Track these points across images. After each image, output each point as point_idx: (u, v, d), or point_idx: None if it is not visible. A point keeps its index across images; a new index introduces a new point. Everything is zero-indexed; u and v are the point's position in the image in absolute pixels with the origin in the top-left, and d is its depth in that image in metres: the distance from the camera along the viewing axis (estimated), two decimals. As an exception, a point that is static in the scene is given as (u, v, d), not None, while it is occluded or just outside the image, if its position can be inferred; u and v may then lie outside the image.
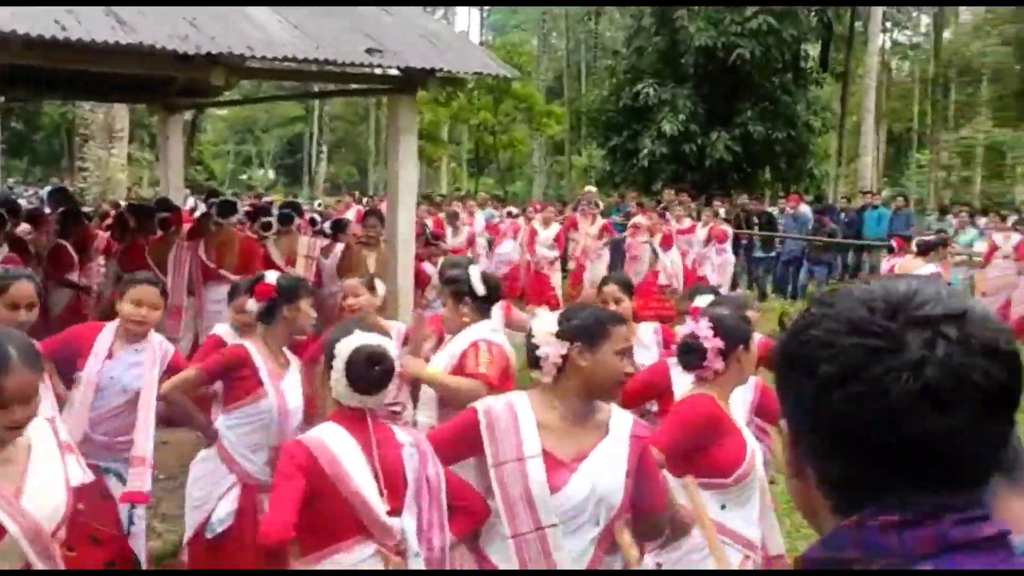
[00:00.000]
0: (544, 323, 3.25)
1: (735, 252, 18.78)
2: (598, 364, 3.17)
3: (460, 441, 3.36)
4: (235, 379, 4.79)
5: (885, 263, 11.76)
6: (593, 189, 21.34)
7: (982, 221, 18.31)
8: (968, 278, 15.51)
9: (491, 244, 17.91)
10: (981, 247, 15.78)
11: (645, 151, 25.44)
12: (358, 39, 7.75)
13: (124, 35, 6.25)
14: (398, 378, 4.00)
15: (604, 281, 6.01)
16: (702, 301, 5.02)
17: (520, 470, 3.16)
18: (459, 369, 4.67)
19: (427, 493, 3.37)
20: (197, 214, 11.66)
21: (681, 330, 4.06)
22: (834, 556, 1.14)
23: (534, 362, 3.24)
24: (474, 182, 41.69)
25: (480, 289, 4.88)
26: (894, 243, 13.31)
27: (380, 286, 5.95)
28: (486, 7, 62.02)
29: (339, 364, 3.37)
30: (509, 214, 19.60)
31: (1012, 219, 16.74)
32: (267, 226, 10.35)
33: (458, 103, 32.41)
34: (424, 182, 46.99)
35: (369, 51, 7.64)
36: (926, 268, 10.52)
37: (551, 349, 3.18)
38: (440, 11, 66.34)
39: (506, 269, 15.89)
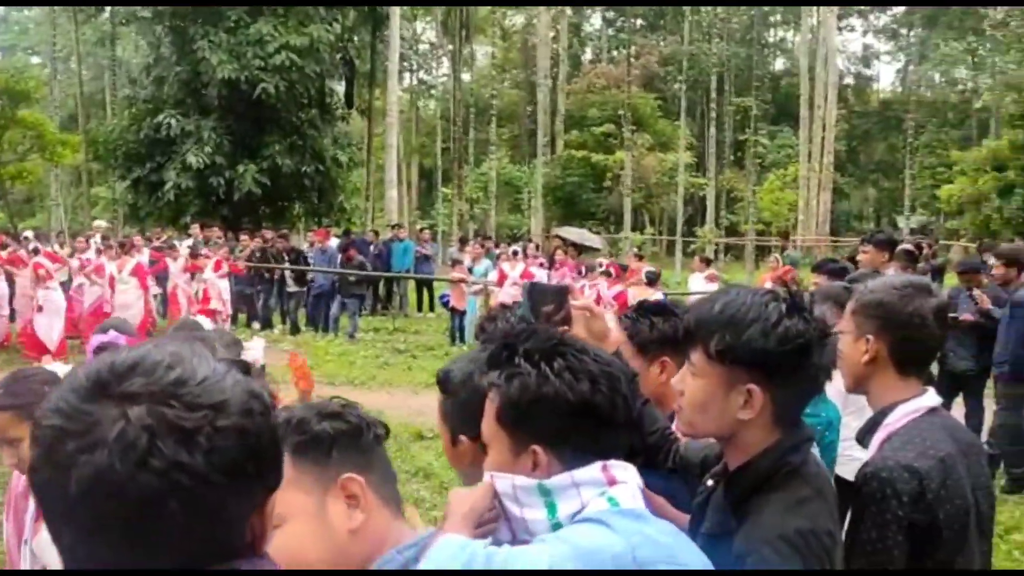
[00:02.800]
0: None
1: (268, 287, 18.70)
2: None
3: None
4: None
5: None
6: (103, 223, 20.11)
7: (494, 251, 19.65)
8: (484, 305, 16.53)
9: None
10: (495, 275, 16.85)
11: (170, 184, 24.52)
12: None
13: None
14: None
15: None
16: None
17: None
18: None
19: None
20: None
21: None
22: None
23: None
24: (-20, 217, 37.70)
25: None
26: (612, 270, 15.33)
27: None
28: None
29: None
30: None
31: (512, 248, 18.00)
32: None
33: (-48, 130, 29.14)
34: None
35: None
36: (656, 295, 11.42)
37: None
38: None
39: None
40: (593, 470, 1.76)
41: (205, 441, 1.05)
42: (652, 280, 14.96)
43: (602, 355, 1.89)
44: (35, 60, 56.24)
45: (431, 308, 21.63)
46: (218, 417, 1.07)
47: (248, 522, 1.13)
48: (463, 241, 25.15)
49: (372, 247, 21.25)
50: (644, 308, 2.91)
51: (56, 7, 37.48)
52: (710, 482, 2.17)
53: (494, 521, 1.82)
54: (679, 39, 48.26)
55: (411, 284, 22.07)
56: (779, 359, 1.97)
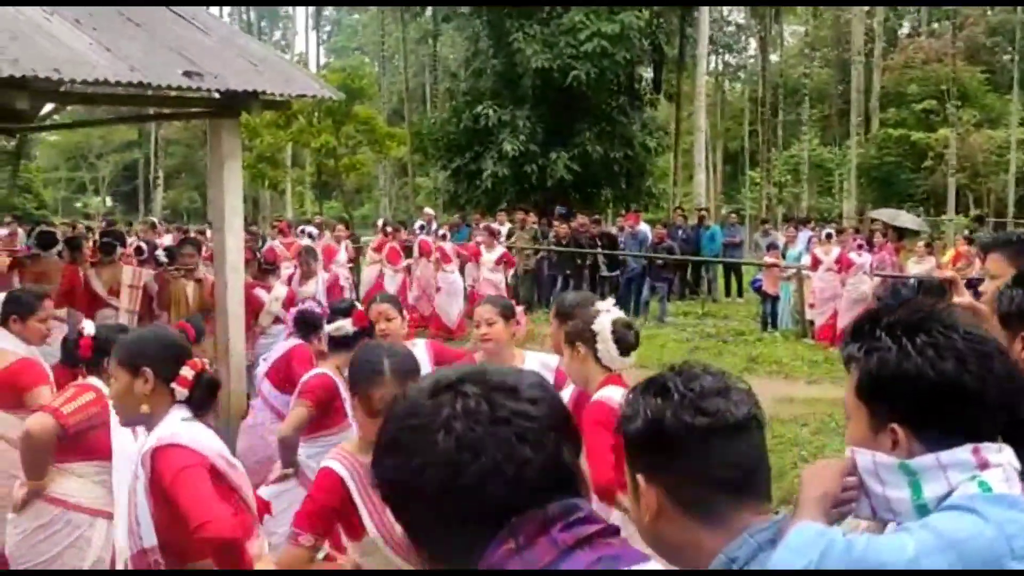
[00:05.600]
0: None
1: (580, 272, 19.17)
2: None
3: None
4: (328, 410, 5.03)
5: None
6: (431, 211, 21.37)
7: (806, 233, 19.03)
8: (798, 290, 16.14)
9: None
10: (809, 260, 16.35)
11: (488, 172, 25.68)
12: (175, 61, 7.53)
13: (-88, 57, 5.90)
14: None
15: (373, 300, 5.76)
16: None
17: None
18: None
19: None
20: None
21: None
22: None
23: None
24: (319, 206, 41.18)
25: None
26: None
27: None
28: (324, 32, 61.59)
29: (605, 335, 4.00)
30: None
31: (826, 231, 17.32)
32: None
33: (298, 126, 31.95)
34: (269, 206, 46.25)
35: (187, 74, 7.42)
36: None
37: None
38: (279, 33, 65.84)
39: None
40: (962, 452, 1.69)
41: (526, 392, 1.30)
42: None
43: (974, 332, 1.77)
44: (364, 60, 60.63)
45: (739, 293, 21.40)
46: (524, 377, 1.34)
47: (577, 467, 1.34)
48: (764, 222, 24.62)
49: (680, 231, 21.28)
50: (1018, 280, 2.74)
51: (385, 8, 40.26)
52: None
53: (853, 499, 1.78)
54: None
55: (719, 268, 21.91)
56: None
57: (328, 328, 5.00)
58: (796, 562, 1.56)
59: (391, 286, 16.00)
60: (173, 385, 3.34)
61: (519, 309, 5.12)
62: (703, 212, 23.60)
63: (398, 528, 3.14)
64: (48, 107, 10.71)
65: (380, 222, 19.58)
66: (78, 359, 4.56)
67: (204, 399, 3.44)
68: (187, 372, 3.36)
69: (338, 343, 4.95)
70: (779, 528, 1.63)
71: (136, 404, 3.34)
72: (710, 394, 1.66)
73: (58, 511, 4.31)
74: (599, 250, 19.29)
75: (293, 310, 6.83)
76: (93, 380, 4.44)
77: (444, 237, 17.80)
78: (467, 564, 1.26)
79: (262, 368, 6.69)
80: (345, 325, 4.96)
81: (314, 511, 3.18)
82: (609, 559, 1.26)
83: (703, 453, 1.63)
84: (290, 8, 64.25)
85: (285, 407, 6.40)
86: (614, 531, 1.29)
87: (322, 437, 5.07)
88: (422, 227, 17.38)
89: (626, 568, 1.27)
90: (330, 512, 3.18)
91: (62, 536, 4.33)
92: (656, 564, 1.34)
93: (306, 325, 6.47)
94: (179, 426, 3.31)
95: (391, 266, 16.61)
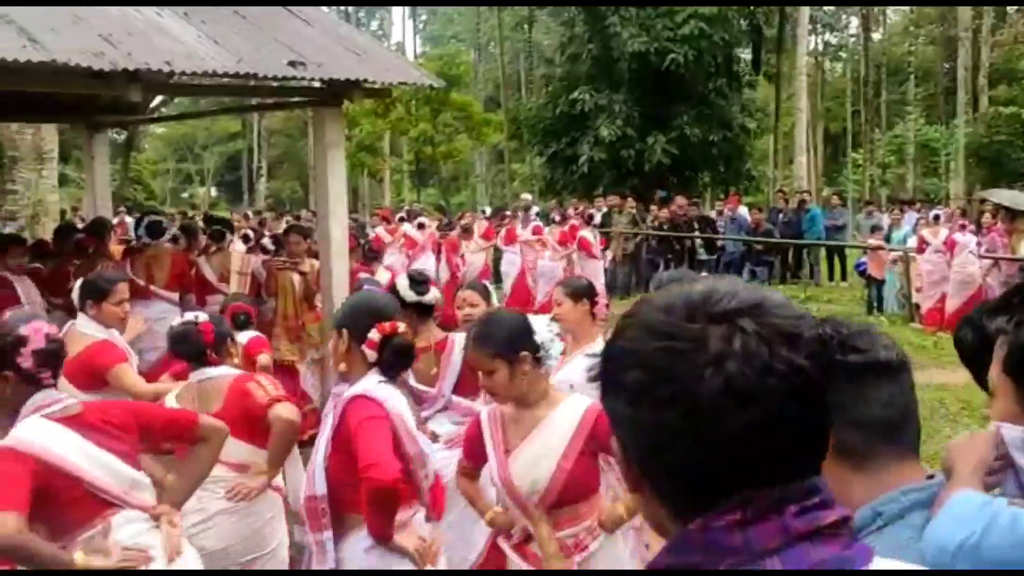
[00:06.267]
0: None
1: (679, 256, 19.04)
2: None
3: None
4: None
5: None
6: (528, 196, 21.38)
7: (911, 215, 18.60)
8: (904, 273, 15.77)
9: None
10: (915, 242, 15.96)
11: (584, 157, 25.60)
12: (280, 52, 7.71)
13: (35, 53, 6.14)
14: None
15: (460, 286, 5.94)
16: None
17: None
18: None
19: None
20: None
21: None
22: (680, 561, 1.10)
23: None
24: (417, 193, 41.64)
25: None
26: None
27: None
28: (420, 21, 62.04)
29: None
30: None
31: (934, 212, 16.86)
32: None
33: (396, 114, 32.33)
34: (368, 194, 46.91)
35: (292, 64, 7.59)
36: None
37: None
38: (376, 23, 66.58)
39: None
40: None
41: (805, 346, 1.08)
42: None
43: None
44: (460, 47, 60.93)
45: (843, 277, 20.96)
46: (805, 324, 1.11)
47: (828, 439, 1.15)
48: (868, 204, 24.09)
49: (781, 215, 20.95)
50: None
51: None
52: None
53: (1000, 472, 1.73)
54: None
55: (822, 252, 21.50)
56: None
57: (426, 298, 5.00)
58: (958, 532, 1.52)
59: (511, 269, 16.19)
60: (363, 347, 3.45)
61: (601, 291, 5.26)
62: (804, 194, 23.16)
63: (513, 475, 3.44)
64: (157, 99, 11.09)
65: (488, 210, 19.75)
66: (202, 346, 4.45)
67: (393, 362, 3.51)
68: (374, 335, 3.45)
69: (425, 309, 5.00)
70: (933, 493, 1.59)
71: (337, 363, 3.58)
72: (858, 335, 1.63)
73: (279, 499, 4.45)
74: (697, 233, 19.13)
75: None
76: (226, 369, 4.49)
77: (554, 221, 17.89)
78: (683, 513, 1.11)
79: None
80: (435, 292, 5.10)
81: (464, 440, 3.86)
82: (836, 562, 1.09)
83: (857, 391, 1.59)
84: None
85: None
86: (846, 520, 1.13)
87: None
88: (538, 213, 17.46)
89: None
90: (471, 442, 3.75)
91: (280, 525, 4.46)
92: (888, 563, 1.16)
93: None
94: (374, 384, 3.46)
95: (507, 248, 16.75)
